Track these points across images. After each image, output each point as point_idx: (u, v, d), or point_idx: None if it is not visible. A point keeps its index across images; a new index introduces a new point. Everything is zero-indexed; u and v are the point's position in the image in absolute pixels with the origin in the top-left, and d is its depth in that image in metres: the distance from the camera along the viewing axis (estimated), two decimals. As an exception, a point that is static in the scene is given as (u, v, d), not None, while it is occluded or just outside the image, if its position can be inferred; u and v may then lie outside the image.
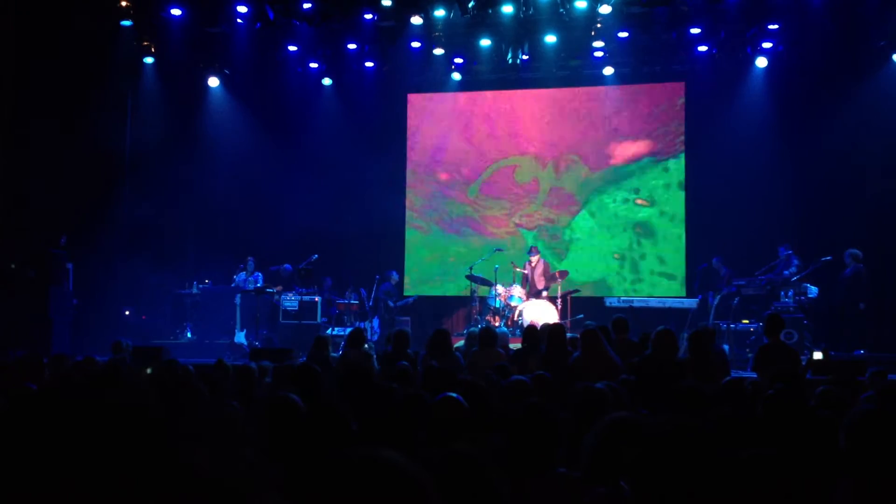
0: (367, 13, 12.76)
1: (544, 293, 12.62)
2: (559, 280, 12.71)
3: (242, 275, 13.21)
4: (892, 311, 11.60)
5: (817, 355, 7.76)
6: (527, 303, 12.37)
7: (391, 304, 13.44)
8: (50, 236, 12.07)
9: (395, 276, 13.86)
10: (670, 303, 12.48)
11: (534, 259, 12.93)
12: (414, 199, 15.16)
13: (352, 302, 13.28)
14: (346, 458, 1.30)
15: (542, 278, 12.76)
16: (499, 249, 13.67)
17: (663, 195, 14.11)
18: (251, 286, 12.94)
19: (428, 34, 13.30)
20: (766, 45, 12.88)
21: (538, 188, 14.67)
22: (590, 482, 2.68)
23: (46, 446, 1.09)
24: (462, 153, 15.01)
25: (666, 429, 2.27)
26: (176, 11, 12.77)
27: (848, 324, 11.00)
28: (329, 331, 12.27)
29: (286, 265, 13.46)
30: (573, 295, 12.99)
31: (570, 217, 14.52)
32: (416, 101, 15.26)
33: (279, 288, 12.97)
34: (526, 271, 13.01)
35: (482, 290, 13.05)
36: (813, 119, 12.65)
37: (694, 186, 13.79)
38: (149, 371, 6.29)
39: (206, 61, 14.24)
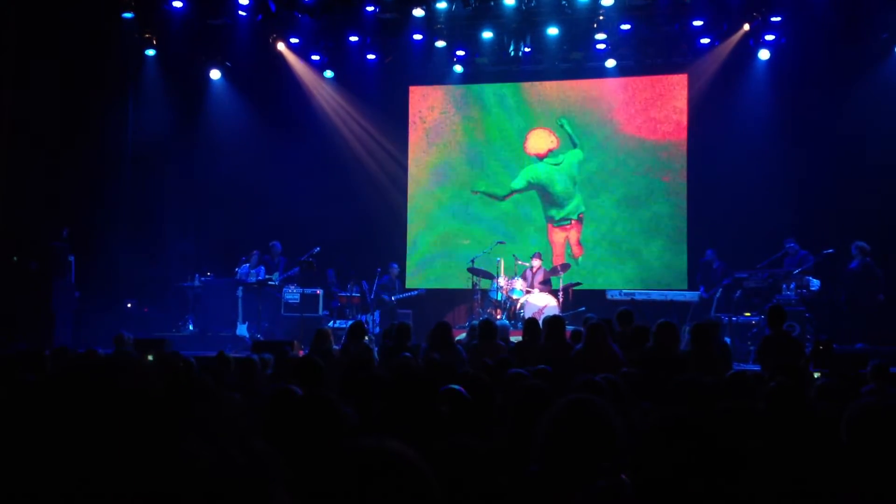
0: (369, 5, 12.74)
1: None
2: (561, 273, 12.71)
3: (245, 267, 13.19)
4: (893, 304, 11.57)
5: (820, 346, 7.72)
6: (528, 295, 12.37)
7: (385, 297, 13.34)
8: (52, 229, 12.08)
9: (395, 269, 13.68)
10: (672, 296, 12.46)
11: (535, 264, 12.91)
12: (415, 191, 15.14)
13: (353, 295, 13.27)
14: (354, 449, 1.30)
15: (541, 284, 12.75)
16: (500, 242, 13.65)
17: (665, 187, 14.09)
18: (253, 279, 12.95)
19: (430, 26, 13.28)
20: (769, 37, 12.85)
21: (540, 181, 14.65)
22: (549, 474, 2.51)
23: (45, 437, 1.09)
24: (463, 148, 14.98)
25: (667, 422, 2.27)
26: (177, 3, 12.77)
27: (856, 317, 11.00)
28: (331, 324, 12.28)
29: (275, 243, 13.40)
30: (575, 287, 12.98)
31: (571, 211, 14.51)
32: (417, 93, 15.22)
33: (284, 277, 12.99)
34: (527, 265, 13.01)
35: (484, 283, 13.05)
36: (815, 111, 12.62)
37: (696, 179, 13.76)
38: (150, 358, 6.32)
39: (208, 54, 14.20)
